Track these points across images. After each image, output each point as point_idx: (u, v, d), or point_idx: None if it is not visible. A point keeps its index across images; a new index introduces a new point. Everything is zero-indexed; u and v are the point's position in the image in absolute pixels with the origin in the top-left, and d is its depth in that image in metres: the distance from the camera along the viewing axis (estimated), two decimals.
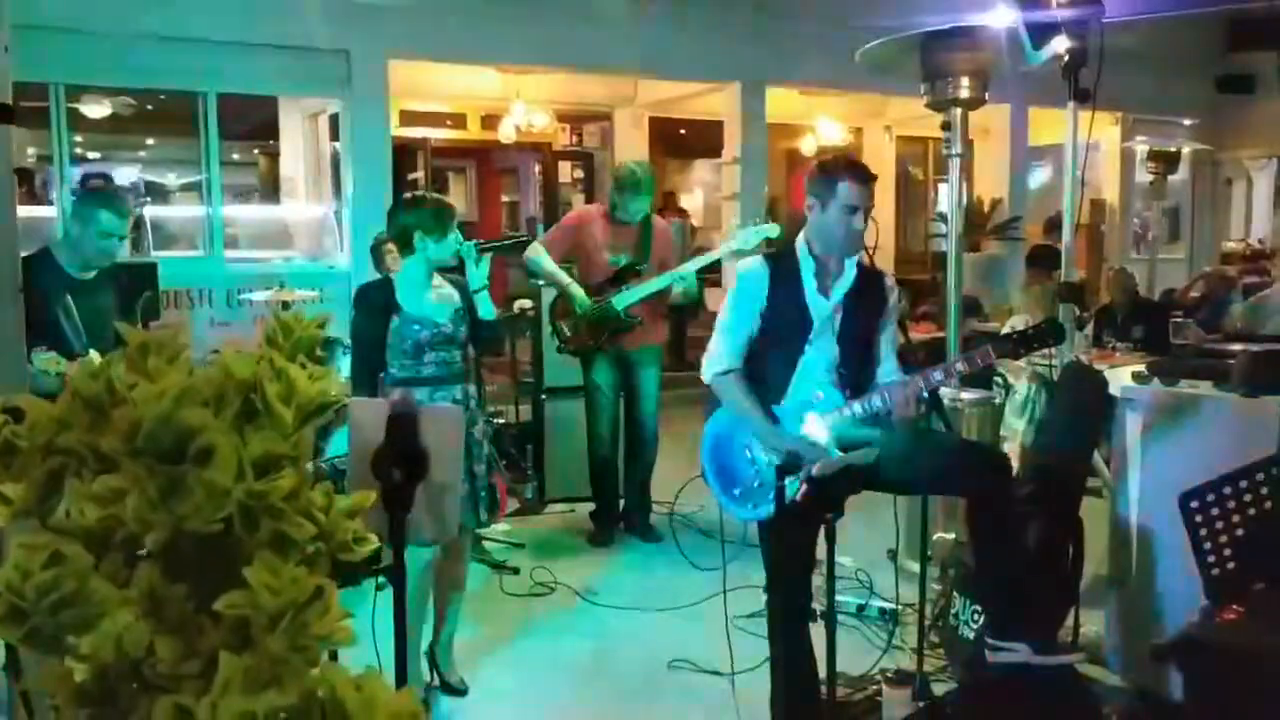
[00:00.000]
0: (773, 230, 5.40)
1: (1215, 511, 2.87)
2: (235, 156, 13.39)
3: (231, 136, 10.66)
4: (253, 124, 10.91)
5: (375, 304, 3.55)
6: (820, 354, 3.11)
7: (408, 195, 3.84)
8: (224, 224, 8.32)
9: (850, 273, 3.13)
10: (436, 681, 3.72)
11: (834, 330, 3.13)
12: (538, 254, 5.29)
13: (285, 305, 6.22)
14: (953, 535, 4.23)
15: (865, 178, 3.06)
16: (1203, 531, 2.88)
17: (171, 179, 15.35)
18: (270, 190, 11.71)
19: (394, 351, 3.50)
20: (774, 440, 3.03)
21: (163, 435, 0.95)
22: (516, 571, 4.93)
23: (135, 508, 0.96)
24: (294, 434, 1.03)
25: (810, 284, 3.11)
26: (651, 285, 5.19)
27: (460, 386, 3.56)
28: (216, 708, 0.90)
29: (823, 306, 3.11)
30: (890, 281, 3.28)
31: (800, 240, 3.16)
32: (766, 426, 3.07)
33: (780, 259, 3.18)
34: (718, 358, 3.14)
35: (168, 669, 0.95)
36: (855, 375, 3.15)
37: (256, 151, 13.37)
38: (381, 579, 2.63)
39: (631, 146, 10.78)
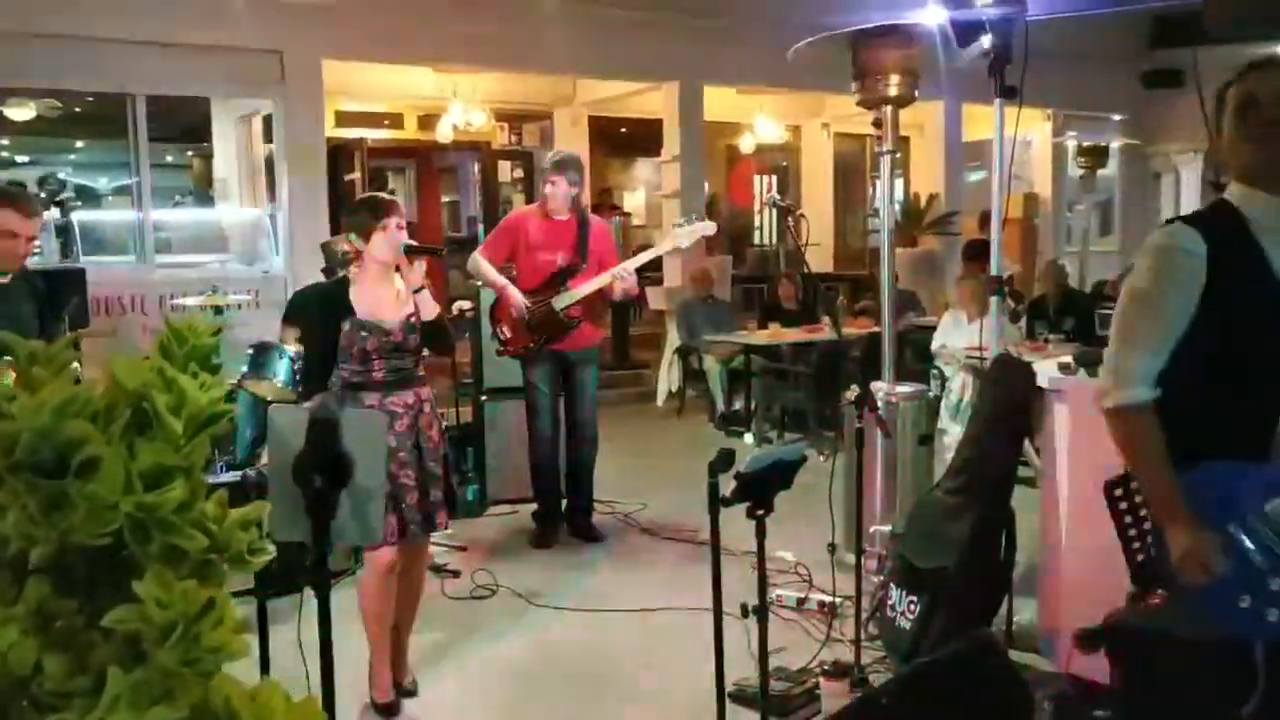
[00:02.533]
0: (710, 228, 5.41)
1: (1139, 499, 2.93)
2: (168, 159, 13.17)
3: (163, 138, 10.48)
4: (185, 126, 10.74)
5: (325, 305, 3.51)
6: None
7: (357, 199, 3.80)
8: (156, 228, 8.16)
9: None
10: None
11: None
12: (477, 259, 5.32)
13: (219, 310, 6.12)
14: (889, 528, 4.27)
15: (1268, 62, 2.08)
16: (1128, 519, 2.93)
17: (103, 183, 15.03)
18: (204, 193, 11.52)
19: (344, 355, 3.45)
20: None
21: (42, 448, 0.92)
22: (457, 574, 4.89)
23: (17, 523, 0.93)
24: (186, 445, 1.01)
25: None
26: (591, 285, 5.17)
27: (412, 391, 3.51)
28: None
29: None
30: None
31: (1239, 191, 2.07)
32: (1183, 507, 2.10)
33: (1215, 221, 2.07)
34: (1130, 377, 2.09)
35: (56, 686, 0.93)
36: None
37: (189, 154, 13.15)
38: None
39: (571, 145, 10.75)
